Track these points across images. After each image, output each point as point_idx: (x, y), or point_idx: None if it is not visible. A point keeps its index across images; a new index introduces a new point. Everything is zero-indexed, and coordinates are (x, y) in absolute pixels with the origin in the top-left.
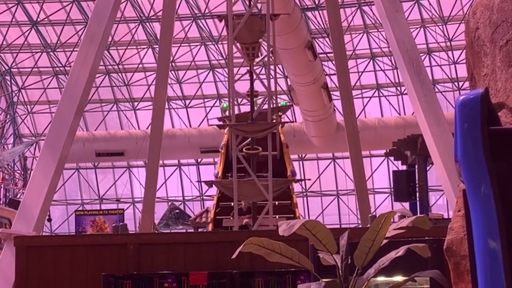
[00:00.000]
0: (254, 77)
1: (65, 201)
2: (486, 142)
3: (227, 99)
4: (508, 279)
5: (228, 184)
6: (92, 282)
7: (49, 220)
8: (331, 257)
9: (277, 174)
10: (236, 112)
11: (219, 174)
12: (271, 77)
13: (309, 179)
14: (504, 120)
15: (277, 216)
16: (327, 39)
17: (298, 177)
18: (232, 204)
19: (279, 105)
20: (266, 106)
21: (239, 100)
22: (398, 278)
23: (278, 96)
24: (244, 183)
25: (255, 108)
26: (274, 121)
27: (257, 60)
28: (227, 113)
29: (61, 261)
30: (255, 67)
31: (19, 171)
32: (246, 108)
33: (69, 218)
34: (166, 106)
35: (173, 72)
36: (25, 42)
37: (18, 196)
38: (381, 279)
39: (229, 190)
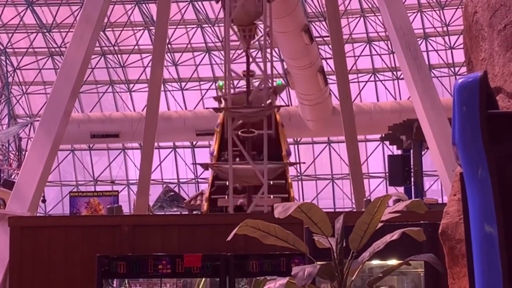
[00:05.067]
0: (250, 60)
1: (59, 182)
2: (484, 125)
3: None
4: (505, 264)
5: (225, 169)
6: (87, 263)
7: (44, 201)
8: (326, 240)
9: (272, 153)
10: (232, 91)
11: (215, 153)
12: (267, 60)
13: (303, 163)
14: (501, 105)
15: (271, 196)
16: (323, 22)
17: (293, 159)
18: (227, 183)
19: (275, 84)
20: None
21: (235, 82)
22: (393, 262)
23: (275, 79)
24: (239, 167)
25: (252, 89)
26: (270, 102)
27: (253, 41)
28: (223, 91)
29: (56, 242)
30: (251, 50)
31: (13, 152)
32: (241, 86)
33: (64, 200)
34: (162, 88)
35: (169, 54)
36: (21, 22)
37: (12, 176)
38: (375, 262)
39: (225, 173)
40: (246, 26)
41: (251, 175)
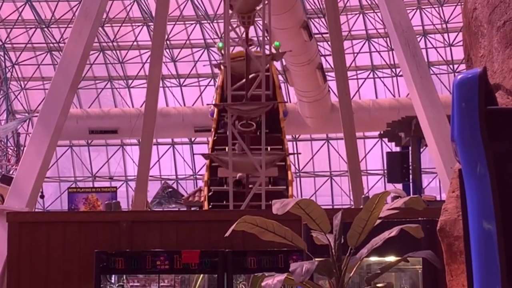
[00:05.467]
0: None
1: (58, 178)
2: (483, 121)
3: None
4: (503, 261)
5: (224, 157)
6: (85, 259)
7: (42, 197)
8: (324, 237)
9: (269, 116)
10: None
11: (215, 115)
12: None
13: (300, 153)
14: (500, 101)
15: (269, 148)
16: (323, 19)
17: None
18: (227, 149)
19: (273, 45)
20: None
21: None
22: (391, 258)
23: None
24: (238, 157)
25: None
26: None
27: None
28: (222, 52)
29: (54, 238)
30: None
31: (12, 147)
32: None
33: (62, 195)
34: (161, 85)
35: (167, 50)
36: (19, 18)
37: (11, 172)
38: (374, 259)
39: (224, 163)
40: (245, 13)
41: (250, 167)
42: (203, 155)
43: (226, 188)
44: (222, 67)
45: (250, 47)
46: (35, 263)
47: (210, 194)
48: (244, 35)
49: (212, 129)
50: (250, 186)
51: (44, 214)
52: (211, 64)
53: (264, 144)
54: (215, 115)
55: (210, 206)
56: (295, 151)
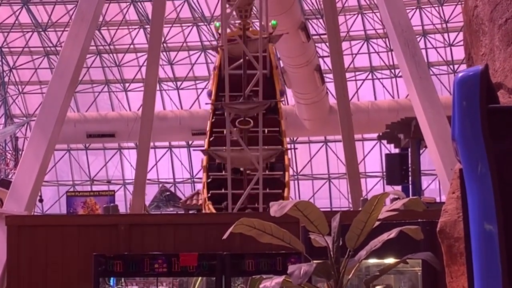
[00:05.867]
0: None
1: (56, 182)
2: (485, 120)
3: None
4: (504, 262)
5: (222, 153)
6: (83, 262)
7: (41, 200)
8: (322, 239)
9: (266, 93)
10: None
11: (213, 96)
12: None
13: (296, 148)
14: (502, 100)
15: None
16: (321, 20)
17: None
18: (225, 132)
19: (270, 24)
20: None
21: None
22: (390, 260)
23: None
24: (236, 152)
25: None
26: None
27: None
28: (220, 32)
29: (53, 241)
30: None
31: (10, 151)
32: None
33: (61, 199)
34: (158, 88)
35: (164, 53)
36: (16, 22)
37: (9, 176)
38: (372, 261)
39: (223, 158)
40: (242, 7)
41: (248, 162)
42: (202, 151)
43: (224, 174)
44: (219, 49)
45: (248, 28)
46: (34, 266)
47: (209, 180)
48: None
49: (210, 110)
50: (248, 172)
51: (43, 217)
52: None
53: (261, 142)
54: (213, 96)
55: (209, 195)
56: (293, 154)
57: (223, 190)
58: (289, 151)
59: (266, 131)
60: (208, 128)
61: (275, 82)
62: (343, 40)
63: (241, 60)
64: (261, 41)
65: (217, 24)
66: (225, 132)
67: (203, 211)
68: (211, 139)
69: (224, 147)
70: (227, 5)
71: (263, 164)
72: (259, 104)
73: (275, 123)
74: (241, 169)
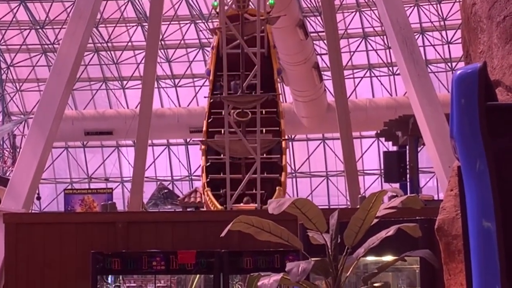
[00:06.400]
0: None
1: (54, 179)
2: (483, 117)
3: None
4: (502, 260)
5: (220, 143)
6: (81, 260)
7: (38, 198)
8: (320, 236)
9: (264, 72)
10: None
11: (211, 76)
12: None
13: (294, 139)
14: (500, 98)
15: (263, 130)
16: (319, 17)
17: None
18: (223, 114)
19: (268, 3)
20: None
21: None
22: (388, 258)
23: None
24: (234, 142)
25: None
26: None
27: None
28: (218, 10)
29: (50, 239)
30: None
31: (8, 149)
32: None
33: (58, 197)
34: (155, 85)
35: (162, 50)
36: (14, 19)
37: (7, 174)
38: (370, 258)
39: (221, 148)
40: None
41: (245, 150)
42: (201, 141)
43: (223, 158)
44: (217, 31)
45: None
46: (32, 264)
47: (207, 164)
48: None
49: (209, 90)
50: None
51: (41, 215)
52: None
53: (259, 132)
54: (211, 75)
55: (208, 179)
56: (291, 152)
57: (221, 175)
58: (287, 138)
59: (264, 112)
60: (206, 110)
61: (273, 61)
62: (341, 38)
63: (238, 41)
64: (259, 23)
65: (215, 3)
66: (223, 130)
67: (203, 197)
68: (209, 120)
69: (222, 138)
70: None
71: (260, 154)
72: (258, 97)
73: (273, 104)
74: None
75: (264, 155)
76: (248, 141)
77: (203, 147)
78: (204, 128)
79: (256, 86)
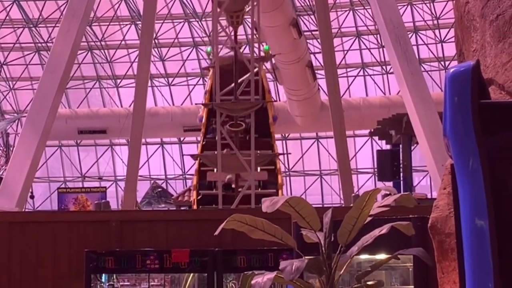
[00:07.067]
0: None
1: (47, 178)
2: (476, 115)
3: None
4: (495, 258)
5: (213, 158)
6: (75, 258)
7: (32, 197)
8: (314, 235)
9: (259, 120)
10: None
11: (203, 119)
12: (255, 55)
13: (290, 153)
14: (493, 96)
15: (258, 152)
16: (312, 16)
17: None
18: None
19: (262, 48)
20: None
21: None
22: (382, 256)
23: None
24: (227, 157)
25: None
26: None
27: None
28: (211, 57)
29: (44, 237)
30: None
31: (1, 148)
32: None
33: (52, 196)
34: (149, 84)
35: (156, 49)
36: (7, 17)
37: (0, 172)
38: (364, 257)
39: (213, 163)
40: (233, 12)
41: (239, 165)
42: (191, 155)
43: (215, 192)
44: (211, 70)
45: (240, 49)
46: (25, 262)
47: (199, 197)
48: (233, 34)
49: (201, 134)
50: (239, 190)
51: (34, 214)
52: (201, 68)
53: (253, 143)
54: (203, 120)
55: (199, 197)
56: (285, 151)
57: (213, 206)
58: (280, 155)
59: (258, 152)
60: (198, 151)
61: (268, 108)
62: (335, 37)
63: (232, 85)
64: (253, 62)
65: (209, 49)
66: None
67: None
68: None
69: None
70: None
71: (255, 182)
72: (252, 104)
73: (268, 146)
74: (232, 185)
75: (259, 189)
76: (242, 156)
77: (195, 183)
78: (195, 179)
79: (251, 93)
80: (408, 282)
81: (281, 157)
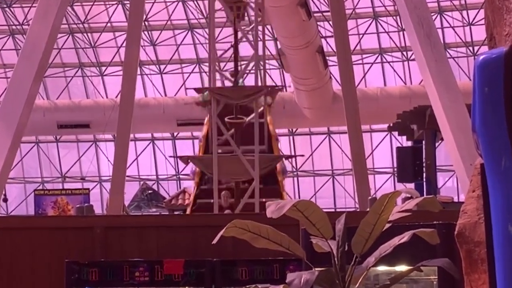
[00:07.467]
0: (239, 35)
1: (23, 179)
2: (509, 108)
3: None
4: None
5: (208, 161)
6: (54, 270)
7: (5, 200)
8: (325, 243)
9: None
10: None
11: (196, 174)
12: (259, 39)
13: (302, 155)
14: None
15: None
16: None
17: (288, 151)
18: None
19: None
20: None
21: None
22: (402, 268)
23: (267, 61)
24: (226, 159)
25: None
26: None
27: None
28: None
29: (20, 246)
30: (240, 31)
31: None
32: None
33: (28, 198)
34: (138, 72)
35: (146, 32)
36: None
37: None
38: (382, 268)
39: (209, 167)
40: (234, 3)
41: (240, 169)
42: (180, 157)
43: (212, 201)
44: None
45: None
46: None
47: (197, 192)
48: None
49: (195, 184)
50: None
51: (8, 219)
52: (197, 94)
53: (257, 140)
54: (195, 181)
55: (196, 206)
56: (292, 148)
57: (211, 200)
58: (289, 141)
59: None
60: (191, 199)
61: (274, 149)
62: (349, 18)
63: (232, 130)
64: (257, 73)
65: (205, 94)
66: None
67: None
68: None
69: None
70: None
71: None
72: (254, 90)
73: (276, 194)
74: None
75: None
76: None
77: (197, 180)
78: (191, 197)
79: (255, 81)
80: None
81: (288, 166)
